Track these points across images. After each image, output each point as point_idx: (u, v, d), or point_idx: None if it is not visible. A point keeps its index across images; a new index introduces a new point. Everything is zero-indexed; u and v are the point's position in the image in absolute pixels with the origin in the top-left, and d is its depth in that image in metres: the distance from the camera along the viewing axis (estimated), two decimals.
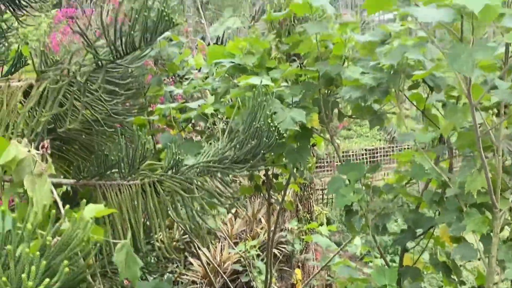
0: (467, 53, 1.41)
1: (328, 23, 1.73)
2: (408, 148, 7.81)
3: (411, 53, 1.66)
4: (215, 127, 2.12)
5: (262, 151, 1.55)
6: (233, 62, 1.90)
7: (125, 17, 1.65)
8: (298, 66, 1.93)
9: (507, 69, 1.71)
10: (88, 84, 1.62)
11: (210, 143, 1.70)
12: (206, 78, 2.24)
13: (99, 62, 1.61)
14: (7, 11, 1.70)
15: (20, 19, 1.73)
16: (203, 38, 7.37)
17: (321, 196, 7.72)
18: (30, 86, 1.62)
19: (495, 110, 1.81)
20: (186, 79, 2.38)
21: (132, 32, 1.56)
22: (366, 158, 9.53)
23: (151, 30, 1.58)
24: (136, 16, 1.55)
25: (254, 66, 1.89)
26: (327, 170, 8.92)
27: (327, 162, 8.86)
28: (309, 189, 5.86)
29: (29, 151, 1.37)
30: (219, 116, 2.12)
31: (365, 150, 9.63)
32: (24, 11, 1.73)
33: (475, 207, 1.81)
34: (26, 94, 1.63)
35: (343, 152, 9.38)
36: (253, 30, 2.09)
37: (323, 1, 1.67)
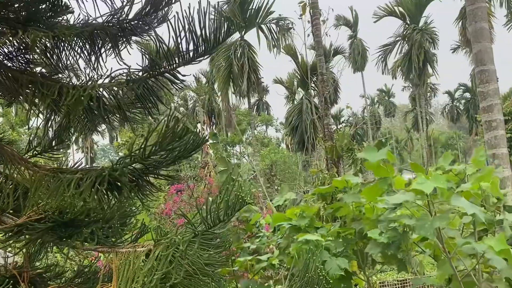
0: (429, 223, 1.98)
1: (360, 194, 2.38)
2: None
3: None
4: (280, 273, 2.72)
5: None
6: (291, 224, 2.56)
7: (217, 189, 2.38)
8: (340, 225, 2.55)
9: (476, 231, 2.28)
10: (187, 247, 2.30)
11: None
12: (274, 231, 2.90)
13: (196, 232, 2.30)
14: (136, 197, 2.50)
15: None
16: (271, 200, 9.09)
17: None
18: (149, 251, 2.32)
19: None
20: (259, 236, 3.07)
21: (218, 211, 2.28)
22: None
23: (231, 209, 2.28)
24: (219, 199, 2.28)
25: (306, 226, 2.52)
26: None
27: None
28: None
29: None
30: (283, 265, 2.72)
31: (397, 281, 11.68)
32: (148, 195, 2.53)
33: None
34: (147, 255, 2.32)
35: (380, 282, 11.10)
36: (307, 197, 2.78)
37: (358, 180, 2.35)
